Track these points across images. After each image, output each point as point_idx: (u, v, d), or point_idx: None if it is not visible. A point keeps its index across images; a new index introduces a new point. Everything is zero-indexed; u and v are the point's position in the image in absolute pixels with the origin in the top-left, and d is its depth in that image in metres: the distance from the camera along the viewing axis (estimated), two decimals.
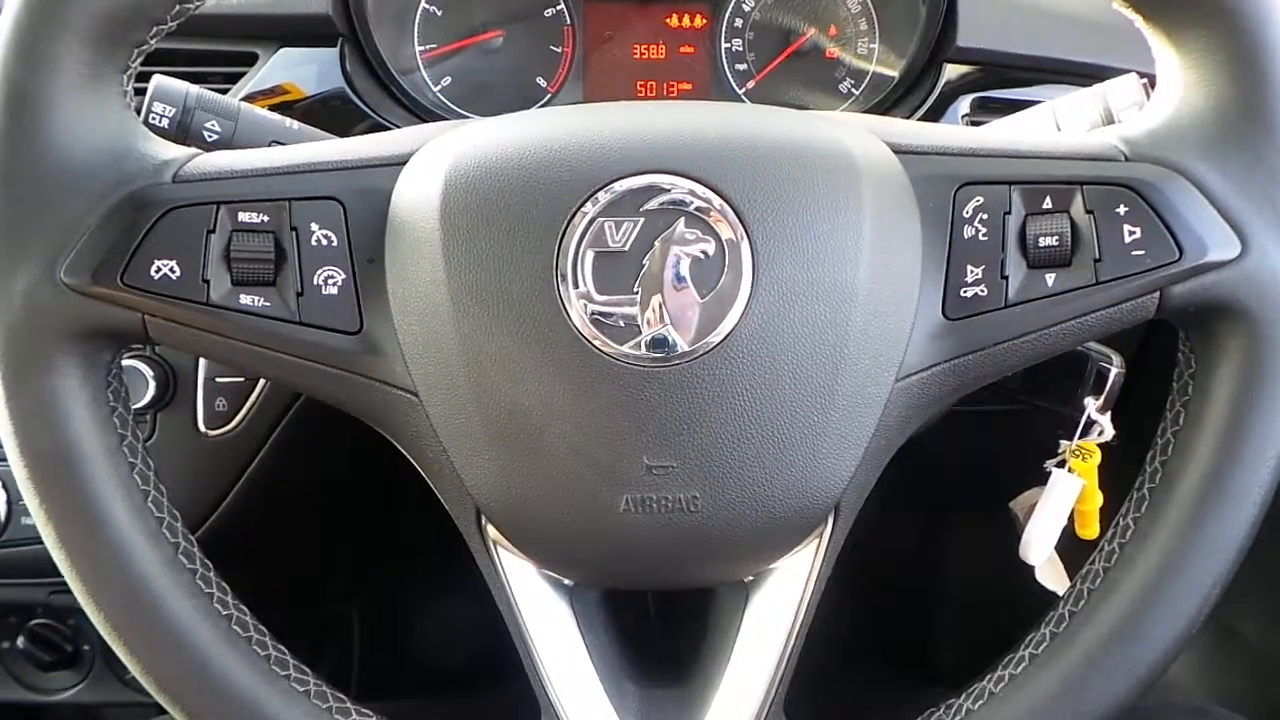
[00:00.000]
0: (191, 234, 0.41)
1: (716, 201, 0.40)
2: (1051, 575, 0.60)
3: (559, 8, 0.80)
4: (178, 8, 0.42)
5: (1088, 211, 0.43)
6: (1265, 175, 0.42)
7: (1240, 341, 0.43)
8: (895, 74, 0.79)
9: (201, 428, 0.67)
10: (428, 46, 0.80)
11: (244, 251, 0.42)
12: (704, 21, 0.81)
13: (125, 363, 0.65)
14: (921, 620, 1.18)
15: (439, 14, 0.79)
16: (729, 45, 0.81)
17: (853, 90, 0.81)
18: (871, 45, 0.81)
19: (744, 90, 0.82)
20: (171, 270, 0.41)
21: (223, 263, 0.42)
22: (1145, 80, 0.54)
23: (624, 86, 0.82)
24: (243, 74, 0.72)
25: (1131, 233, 0.42)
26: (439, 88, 0.80)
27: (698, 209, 0.40)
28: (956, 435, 0.75)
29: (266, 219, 0.42)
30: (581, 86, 0.81)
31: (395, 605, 1.15)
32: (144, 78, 0.56)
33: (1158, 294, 0.43)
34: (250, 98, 0.71)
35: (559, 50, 0.81)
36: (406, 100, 0.77)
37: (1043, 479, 0.58)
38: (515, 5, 0.80)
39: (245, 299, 0.42)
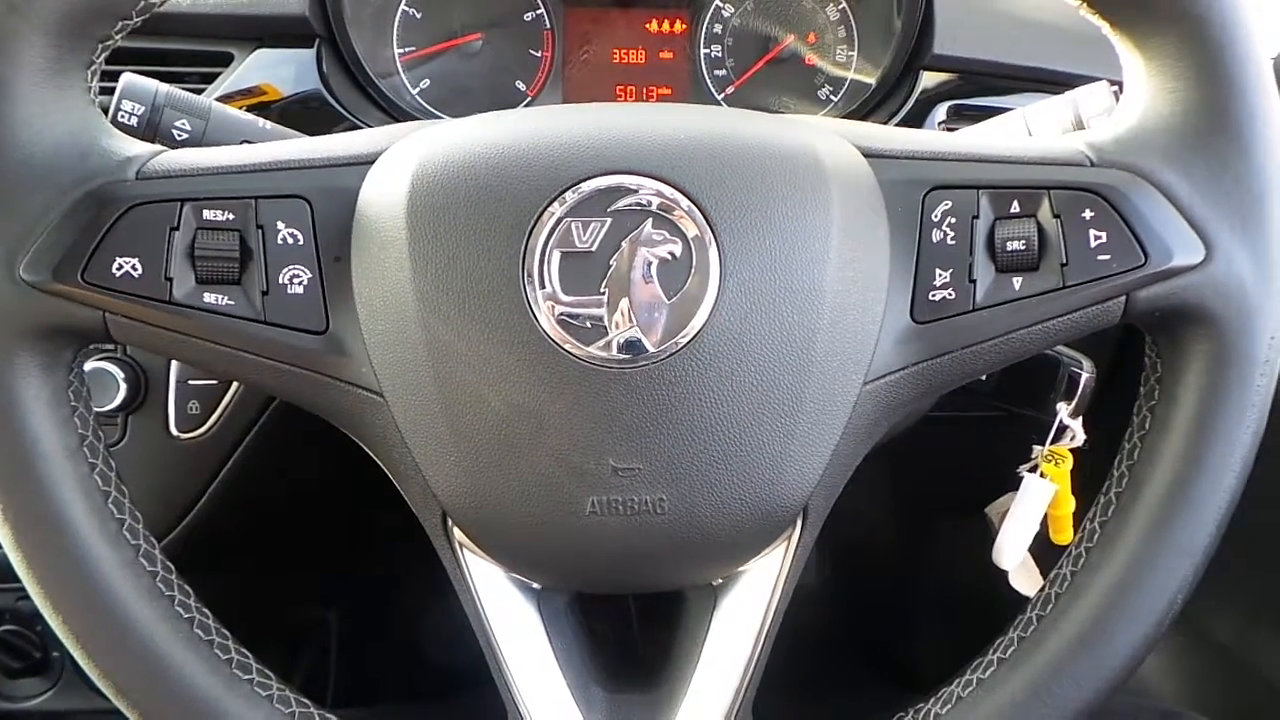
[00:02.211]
0: (154, 231, 0.41)
1: (684, 202, 0.40)
2: (1024, 579, 0.60)
3: (539, 11, 0.80)
4: (143, 3, 0.41)
5: (1055, 216, 0.43)
6: (1229, 181, 0.42)
7: (1205, 346, 0.43)
8: (872, 81, 0.80)
9: (173, 431, 0.66)
10: (406, 49, 0.80)
11: (209, 249, 0.41)
12: (684, 27, 0.81)
13: (95, 364, 0.64)
14: (901, 624, 1.18)
15: (418, 16, 0.79)
16: (708, 51, 0.81)
17: (831, 97, 0.81)
18: (850, 53, 0.81)
19: (723, 96, 0.82)
20: (134, 268, 0.41)
21: (187, 261, 0.41)
22: (1116, 87, 0.55)
23: (603, 91, 0.82)
24: (219, 74, 0.71)
25: (1097, 237, 0.42)
26: (417, 90, 0.80)
27: (665, 210, 0.40)
28: (936, 441, 0.75)
29: (232, 217, 0.42)
30: (561, 90, 0.81)
31: (373, 609, 1.15)
32: (116, 76, 0.56)
33: (1123, 298, 0.43)
34: (226, 98, 0.70)
35: (538, 54, 0.81)
36: (384, 102, 0.77)
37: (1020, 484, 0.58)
38: (495, 9, 0.80)
39: (209, 297, 0.42)
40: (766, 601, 0.45)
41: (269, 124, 0.59)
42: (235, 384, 0.66)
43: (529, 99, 0.81)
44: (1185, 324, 0.43)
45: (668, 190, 0.40)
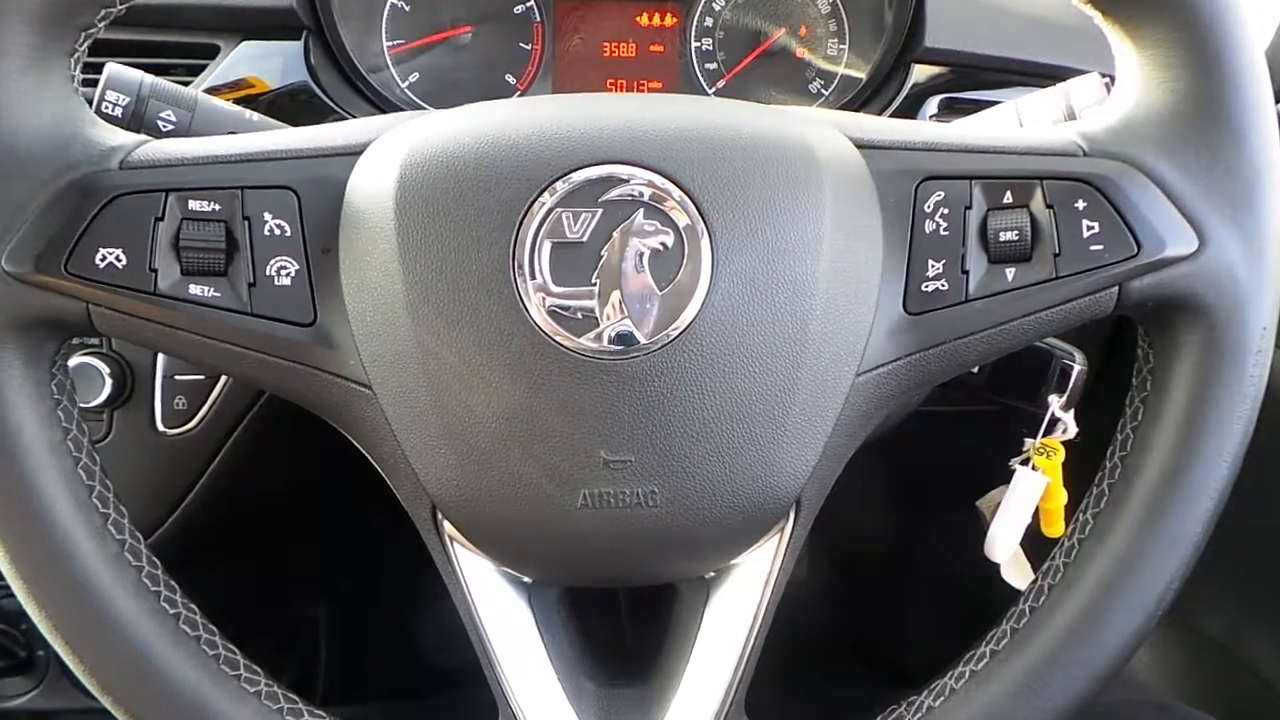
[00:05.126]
0: (139, 222, 0.40)
1: (676, 193, 0.40)
2: (1016, 573, 0.60)
3: (529, 4, 0.80)
4: None
5: (1048, 206, 0.43)
6: (1221, 171, 0.42)
7: (1197, 337, 0.43)
8: (863, 75, 0.79)
9: (160, 426, 0.66)
10: (395, 42, 0.79)
11: (194, 240, 0.41)
12: (674, 20, 0.81)
13: (80, 360, 0.64)
14: (894, 618, 1.18)
15: (406, 9, 0.79)
16: (699, 44, 0.81)
17: (822, 90, 0.81)
18: (841, 46, 0.81)
19: (714, 89, 0.82)
20: (118, 259, 0.40)
21: (172, 252, 0.41)
22: (1107, 79, 0.55)
23: (594, 84, 0.81)
24: (205, 66, 0.71)
25: (1090, 228, 0.42)
26: (407, 84, 0.79)
27: (656, 200, 0.40)
28: (928, 435, 0.75)
29: (218, 207, 0.41)
30: (551, 84, 0.81)
31: (363, 606, 1.14)
32: (101, 69, 0.56)
33: (1116, 289, 0.43)
34: (213, 91, 0.70)
35: (528, 47, 0.80)
36: (373, 95, 0.76)
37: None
38: (485, 1, 0.80)
39: (195, 289, 0.41)
40: (759, 595, 0.45)
41: (256, 116, 0.59)
42: (222, 379, 0.65)
43: (519, 92, 0.81)
44: (1178, 314, 0.43)
45: (659, 180, 0.40)
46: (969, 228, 0.43)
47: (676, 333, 0.40)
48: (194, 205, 0.41)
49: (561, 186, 0.40)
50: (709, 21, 0.81)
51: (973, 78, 0.75)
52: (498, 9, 0.80)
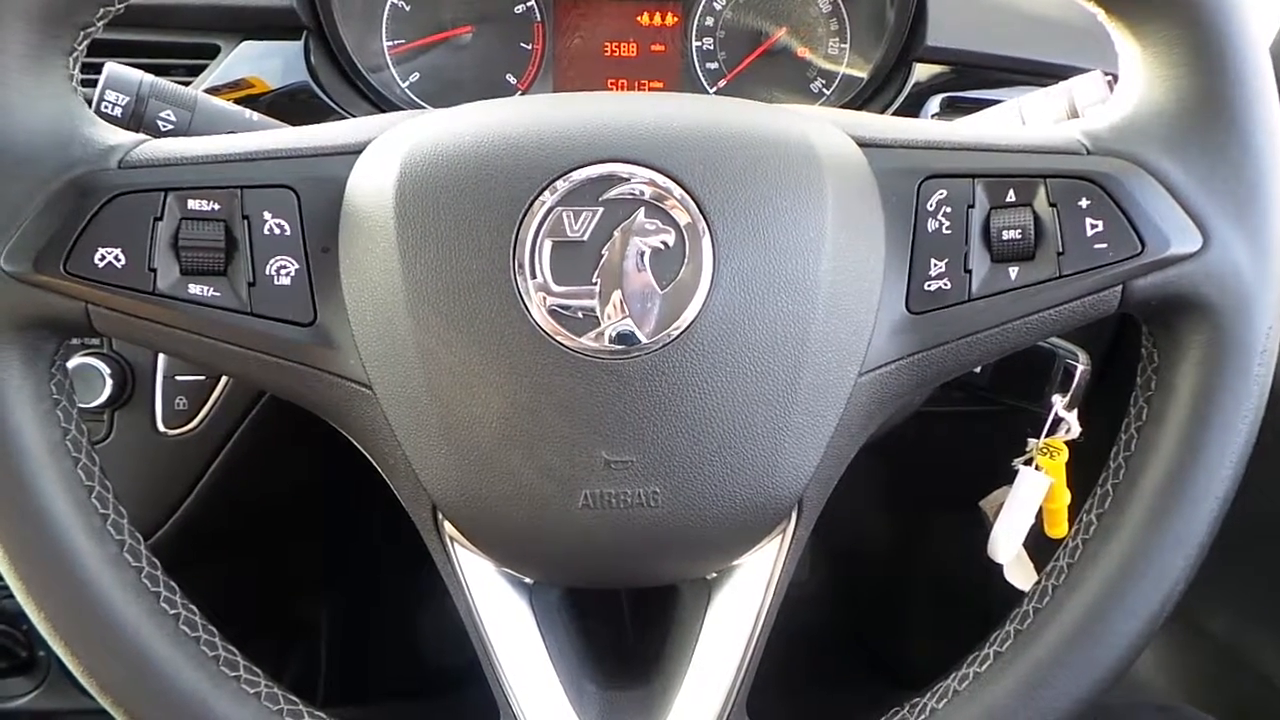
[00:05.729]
0: (138, 221, 0.40)
1: (677, 191, 0.40)
2: (1020, 574, 0.60)
3: (529, 4, 0.80)
4: None
5: (1051, 205, 0.42)
6: (1226, 168, 0.42)
7: (1202, 336, 0.43)
8: (865, 74, 0.79)
9: (160, 427, 0.66)
10: (396, 41, 0.79)
11: (193, 240, 0.41)
12: (675, 20, 0.81)
13: (81, 360, 0.64)
14: (896, 620, 1.18)
15: (407, 9, 0.79)
16: (700, 44, 0.81)
17: (823, 90, 0.81)
18: (842, 45, 0.81)
19: (715, 89, 0.81)
20: (117, 259, 0.40)
21: (171, 251, 0.41)
22: (1110, 77, 0.54)
23: (595, 84, 0.81)
24: (205, 66, 0.71)
25: (1094, 226, 0.42)
26: (407, 84, 0.79)
27: (658, 198, 0.40)
28: (931, 435, 0.75)
29: (217, 207, 0.41)
30: (552, 84, 0.81)
31: (364, 607, 1.14)
32: (100, 69, 0.55)
33: (1120, 288, 0.42)
34: (213, 91, 0.70)
35: (529, 47, 0.80)
36: (373, 95, 0.76)
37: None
38: (485, 1, 0.80)
39: (194, 289, 0.41)
40: (761, 596, 0.45)
41: (257, 116, 0.58)
42: (224, 380, 0.65)
43: (520, 92, 0.81)
44: (1182, 313, 0.43)
45: (660, 179, 0.40)
46: (972, 226, 0.43)
47: (678, 332, 0.39)
48: (193, 204, 0.41)
49: (562, 185, 0.39)
50: (710, 21, 0.81)
51: (975, 76, 0.75)
52: (498, 8, 0.80)
